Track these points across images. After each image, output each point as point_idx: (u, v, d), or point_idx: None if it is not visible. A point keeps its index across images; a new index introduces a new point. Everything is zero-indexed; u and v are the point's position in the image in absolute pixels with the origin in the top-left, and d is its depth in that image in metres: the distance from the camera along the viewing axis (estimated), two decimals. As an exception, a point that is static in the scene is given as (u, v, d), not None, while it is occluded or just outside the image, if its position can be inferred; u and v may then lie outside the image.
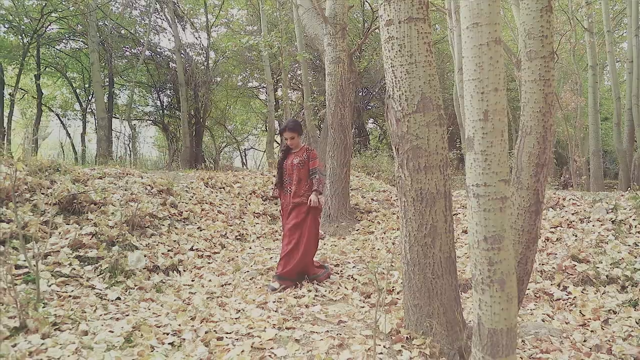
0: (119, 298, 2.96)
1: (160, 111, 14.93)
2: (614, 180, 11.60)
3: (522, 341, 2.62)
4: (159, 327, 2.50)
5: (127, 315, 2.68)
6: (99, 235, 3.58)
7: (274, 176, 3.66)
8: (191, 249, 4.07)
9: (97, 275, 3.16)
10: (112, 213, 3.96)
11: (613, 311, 2.99)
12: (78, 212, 3.85)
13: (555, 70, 12.32)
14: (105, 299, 2.90)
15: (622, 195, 4.72)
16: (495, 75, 1.56)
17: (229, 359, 2.06)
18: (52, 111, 14.37)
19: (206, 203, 5.26)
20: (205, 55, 14.15)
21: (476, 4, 1.57)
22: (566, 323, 2.90)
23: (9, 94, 10.68)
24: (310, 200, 3.34)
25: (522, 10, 2.05)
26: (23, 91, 12.75)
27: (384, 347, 2.20)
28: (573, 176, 9.69)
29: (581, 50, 11.23)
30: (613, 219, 4.20)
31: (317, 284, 3.39)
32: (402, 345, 2.23)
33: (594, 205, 4.54)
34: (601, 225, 4.16)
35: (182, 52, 12.91)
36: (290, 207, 3.43)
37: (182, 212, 4.69)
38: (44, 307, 2.57)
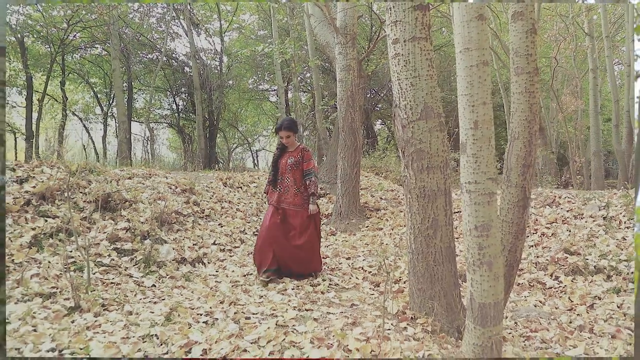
0: (154, 285, 3.25)
1: (176, 114, 15.28)
2: (616, 180, 11.76)
3: (515, 323, 2.88)
4: (192, 309, 2.77)
5: (163, 299, 2.96)
6: (133, 230, 3.88)
7: (270, 172, 3.63)
8: (214, 243, 4.37)
9: (133, 265, 3.48)
10: (143, 210, 4.26)
11: (598, 297, 3.25)
12: (113, 209, 4.16)
13: (558, 73, 12.31)
14: (142, 286, 3.20)
15: (615, 194, 4.94)
16: (484, 91, 1.84)
17: (257, 333, 2.35)
18: (76, 115, 14.82)
19: (225, 201, 5.59)
20: (219, 59, 14.47)
21: (467, 32, 1.85)
22: (556, 308, 3.16)
23: (37, 100, 11.11)
24: (310, 210, 3.44)
25: (511, 32, 2.32)
26: (49, 96, 13.24)
27: (391, 324, 2.48)
28: (573, 176, 9.88)
29: (580, 55, 11.40)
30: (604, 216, 4.43)
31: (330, 275, 3.68)
32: (407, 324, 2.51)
33: (587, 203, 4.77)
34: (593, 221, 4.40)
35: (197, 57, 13.25)
36: (290, 210, 3.45)
37: (204, 210, 5.01)
38: (92, 291, 2.88)
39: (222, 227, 4.90)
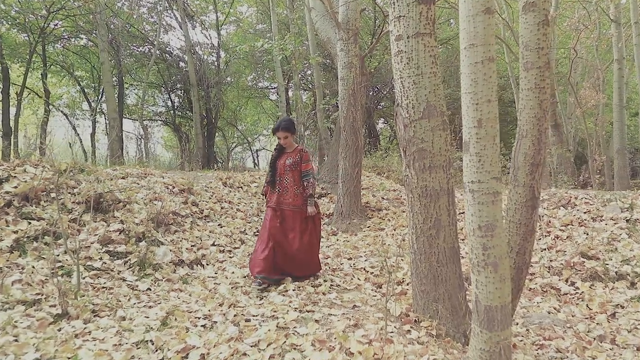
0: (149, 289, 3.29)
1: (172, 112, 15.28)
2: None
3: (527, 329, 2.88)
4: (190, 312, 2.83)
5: (159, 303, 3.01)
6: (127, 232, 3.90)
7: (269, 173, 3.77)
8: (213, 245, 4.47)
9: (127, 269, 3.50)
10: (138, 211, 4.31)
11: (621, 306, 3.20)
12: (105, 211, 4.17)
13: (578, 65, 12.00)
14: (136, 290, 3.23)
15: None
16: (489, 88, 1.91)
17: (257, 336, 2.44)
18: (61, 111, 14.47)
19: (225, 202, 5.72)
20: (216, 54, 14.46)
21: (472, 27, 1.93)
22: (572, 316, 3.14)
23: (15, 93, 10.76)
24: (308, 212, 3.58)
25: (521, 24, 2.35)
26: (28, 90, 12.84)
27: (394, 327, 2.56)
28: (592, 175, 9.76)
29: (604, 44, 11.24)
30: (628, 218, 4.37)
31: (332, 275, 3.79)
32: (410, 327, 2.59)
33: (607, 204, 4.75)
34: (614, 224, 4.35)
35: (193, 52, 13.19)
36: (289, 210, 3.58)
37: (203, 210, 5.13)
38: (82, 297, 2.85)
39: (221, 227, 5.01)
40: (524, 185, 2.34)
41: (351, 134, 6.05)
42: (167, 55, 14.15)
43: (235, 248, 4.65)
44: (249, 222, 5.47)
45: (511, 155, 2.46)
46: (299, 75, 13.03)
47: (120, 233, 3.88)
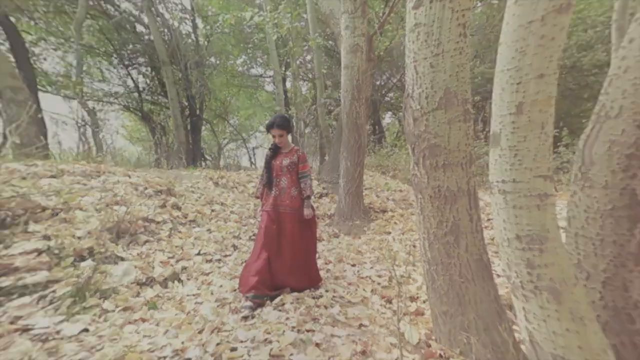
0: (85, 330, 2.49)
1: (136, 94, 12.53)
2: None
3: None
4: (153, 351, 2.29)
5: (99, 349, 2.28)
6: (56, 251, 3.09)
7: (264, 174, 3.63)
8: (198, 254, 4.09)
9: (42, 308, 2.58)
10: (83, 220, 3.60)
11: None
12: (6, 226, 3.20)
13: None
14: (55, 339, 2.34)
15: None
16: (545, 58, 1.48)
17: (244, 370, 2.11)
18: None
19: (217, 204, 5.38)
20: (191, 23, 12.17)
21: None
22: None
23: None
24: (305, 214, 3.48)
25: None
26: None
27: None
28: None
29: None
30: None
31: (334, 284, 3.51)
32: (435, 363, 2.18)
33: None
34: None
35: (156, 12, 10.14)
36: (286, 213, 3.46)
37: (187, 215, 4.76)
38: None
39: (211, 233, 4.67)
40: (607, 187, 1.84)
41: (354, 132, 5.78)
42: (108, 6, 10.28)
43: (225, 256, 4.27)
44: (245, 225, 5.13)
45: (577, 146, 1.92)
46: (298, 62, 12.36)
47: (39, 254, 2.99)
